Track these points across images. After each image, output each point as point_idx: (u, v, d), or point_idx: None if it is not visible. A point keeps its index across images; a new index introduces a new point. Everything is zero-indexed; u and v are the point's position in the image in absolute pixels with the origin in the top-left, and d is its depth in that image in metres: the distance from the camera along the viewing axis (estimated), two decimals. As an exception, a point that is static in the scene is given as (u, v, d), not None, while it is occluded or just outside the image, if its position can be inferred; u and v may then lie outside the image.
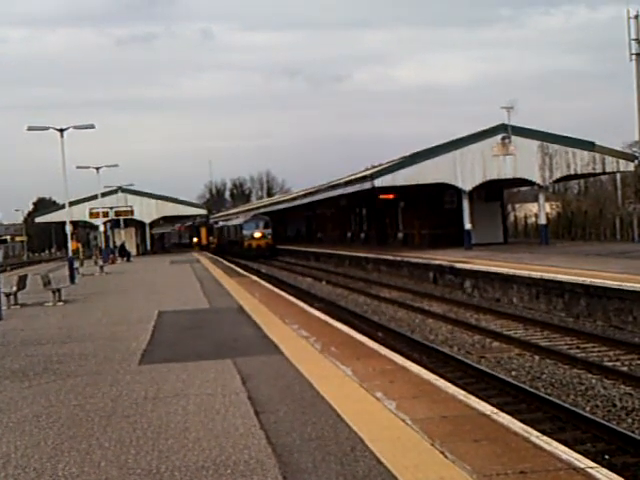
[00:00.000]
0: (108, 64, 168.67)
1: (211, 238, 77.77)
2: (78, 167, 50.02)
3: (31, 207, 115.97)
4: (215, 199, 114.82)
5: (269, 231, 60.26)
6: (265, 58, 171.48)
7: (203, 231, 79.99)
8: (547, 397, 10.71)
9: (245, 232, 59.74)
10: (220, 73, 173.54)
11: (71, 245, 37.95)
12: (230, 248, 65.16)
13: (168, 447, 6.57)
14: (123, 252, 54.62)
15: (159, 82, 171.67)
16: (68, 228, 37.67)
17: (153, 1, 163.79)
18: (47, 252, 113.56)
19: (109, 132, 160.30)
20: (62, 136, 34.98)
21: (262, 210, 73.58)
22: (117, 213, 56.24)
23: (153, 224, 70.80)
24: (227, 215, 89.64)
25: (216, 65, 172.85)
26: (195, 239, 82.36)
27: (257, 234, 59.49)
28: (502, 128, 36.49)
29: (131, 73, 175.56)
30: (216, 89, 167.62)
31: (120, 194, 61.36)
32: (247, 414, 7.50)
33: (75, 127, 36.07)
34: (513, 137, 36.29)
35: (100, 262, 42.65)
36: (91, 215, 55.54)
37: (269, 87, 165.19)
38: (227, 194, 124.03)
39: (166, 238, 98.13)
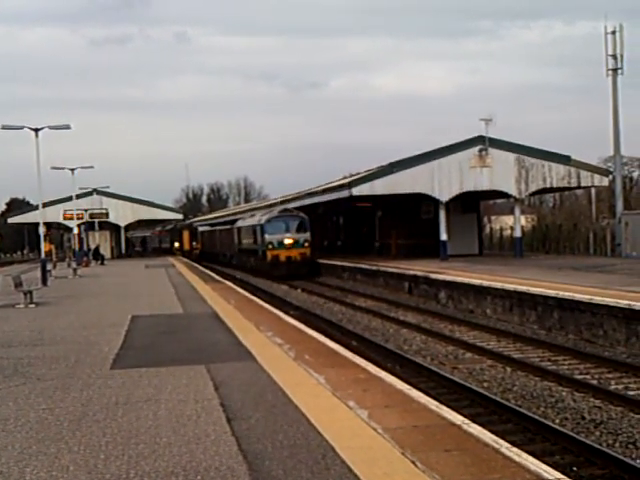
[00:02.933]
0: (84, 65, 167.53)
1: (194, 243, 70.15)
2: (53, 168, 49.65)
3: (4, 207, 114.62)
4: (192, 204, 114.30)
5: (306, 236, 40.27)
6: (243, 63, 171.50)
7: (186, 235, 72.12)
8: (517, 409, 10.80)
9: (268, 236, 40.29)
10: (197, 76, 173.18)
11: (44, 247, 37.56)
12: (237, 260, 50.47)
13: (138, 452, 6.53)
14: (97, 255, 54.17)
15: (136, 84, 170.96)
16: (41, 229, 37.32)
17: (129, 3, 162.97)
18: (19, 253, 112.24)
19: (85, 133, 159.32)
20: (37, 136, 34.67)
21: (239, 216, 67.50)
22: (92, 215, 55.85)
23: (129, 227, 70.27)
24: (209, 219, 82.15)
25: (193, 68, 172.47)
26: (176, 244, 74.44)
27: (288, 240, 39.84)
28: (480, 140, 36.78)
29: (108, 74, 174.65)
30: (193, 92, 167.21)
31: (95, 196, 60.87)
32: (219, 421, 7.48)
33: (50, 127, 35.77)
34: (490, 149, 36.59)
35: (73, 265, 42.25)
36: (65, 217, 55.08)
37: (247, 92, 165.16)
38: (204, 199, 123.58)
39: (149, 242, 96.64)
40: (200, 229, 71.88)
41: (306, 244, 40.08)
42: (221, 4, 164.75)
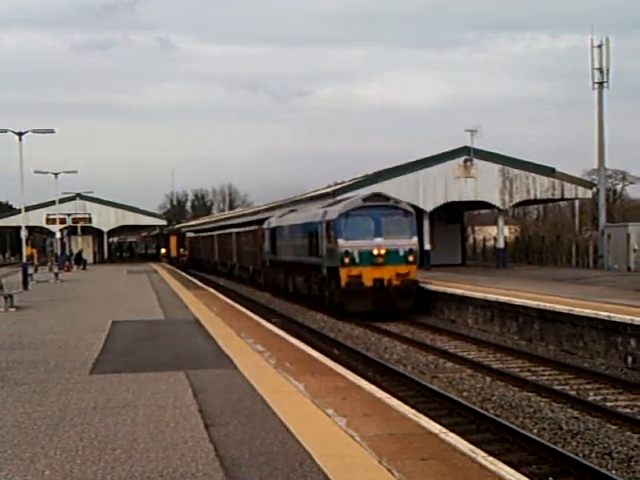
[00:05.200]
0: (68, 69, 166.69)
1: (182, 250, 66.49)
2: (36, 172, 49.39)
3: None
4: (176, 210, 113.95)
5: (411, 243, 24.42)
6: (228, 70, 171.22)
7: (173, 241, 67.51)
8: (496, 418, 10.84)
9: (344, 242, 24.00)
10: (183, 83, 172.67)
11: (26, 251, 37.31)
12: (267, 277, 36.61)
13: (115, 457, 6.51)
14: (79, 260, 53.86)
15: (121, 90, 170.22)
16: (23, 233, 37.07)
17: (113, 8, 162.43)
18: (1, 257, 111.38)
19: (69, 138, 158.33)
20: (20, 140, 34.49)
21: (222, 223, 64.56)
22: (74, 220, 55.55)
23: (112, 232, 69.95)
24: (200, 224, 77.93)
25: (178, 75, 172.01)
26: (163, 250, 69.93)
27: (379, 249, 23.98)
28: (465, 151, 37.00)
29: (92, 79, 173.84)
30: (179, 99, 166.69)
31: (78, 201, 60.59)
32: (197, 427, 7.47)
33: (34, 131, 35.58)
34: (475, 160, 36.82)
35: (55, 269, 41.98)
36: (48, 221, 54.77)
37: (232, 99, 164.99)
38: (188, 205, 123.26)
39: (135, 247, 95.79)
40: (189, 235, 69.34)
41: (410, 257, 23.88)
42: (206, 12, 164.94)
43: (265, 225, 36.58)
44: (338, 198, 30.23)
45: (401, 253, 23.98)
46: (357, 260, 23.70)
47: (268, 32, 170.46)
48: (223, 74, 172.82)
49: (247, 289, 38.98)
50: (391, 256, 23.82)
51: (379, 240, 23.91)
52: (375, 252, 23.73)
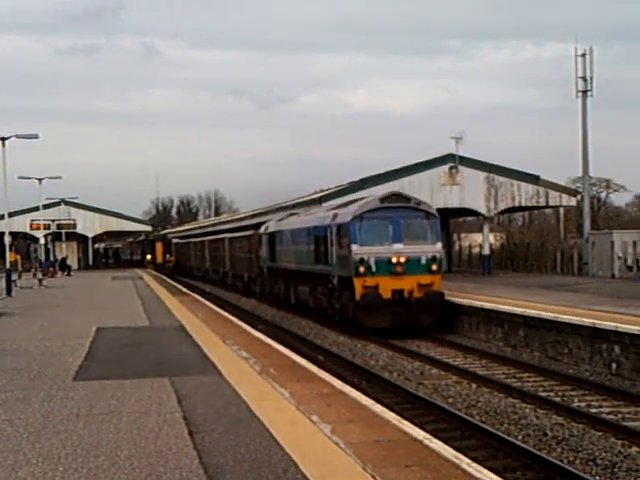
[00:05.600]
0: (52, 75, 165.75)
1: (168, 256, 65.52)
2: (20, 177, 49.01)
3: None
4: (161, 216, 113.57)
5: (435, 249, 21.73)
6: (212, 76, 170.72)
7: (159, 247, 66.07)
8: (481, 425, 10.86)
9: (359, 248, 21.12)
10: (168, 89, 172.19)
11: (9, 257, 37.04)
12: (264, 286, 33.73)
13: (98, 465, 6.45)
14: (64, 266, 53.53)
15: (106, 95, 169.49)
16: (7, 239, 36.81)
17: (97, 13, 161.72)
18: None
19: (53, 143, 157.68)
20: (4, 145, 34.23)
21: (214, 228, 63.14)
22: (59, 226, 55.20)
23: (97, 238, 69.60)
24: (187, 230, 76.83)
25: (163, 81, 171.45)
26: (149, 256, 67.90)
27: (398, 256, 21.14)
28: (450, 158, 37.18)
29: (76, 85, 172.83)
30: (164, 105, 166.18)
31: (63, 207, 60.24)
32: (181, 434, 7.42)
33: (18, 136, 35.28)
34: (461, 167, 36.99)
35: (39, 275, 41.70)
36: (32, 227, 54.39)
37: (217, 105, 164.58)
38: (174, 211, 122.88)
39: (121, 253, 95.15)
40: (175, 241, 68.77)
41: (434, 266, 21.16)
42: (190, 17, 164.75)
43: (262, 230, 33.66)
44: (350, 199, 26.97)
45: (423, 261, 21.23)
46: (373, 269, 20.94)
47: (253, 38, 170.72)
48: (208, 80, 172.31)
49: (246, 300, 35.56)
50: (412, 264, 21.09)
51: (398, 246, 21.17)
52: (394, 260, 21.02)
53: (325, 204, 32.35)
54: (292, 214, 31.70)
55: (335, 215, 23.14)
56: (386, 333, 20.53)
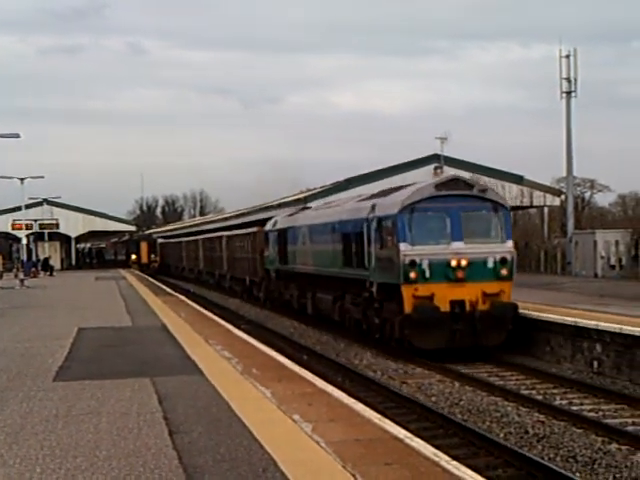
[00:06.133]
0: (36, 74, 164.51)
1: (153, 256, 65.23)
2: (1, 177, 48.67)
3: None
4: (146, 215, 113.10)
5: (505, 249, 17.08)
6: (199, 76, 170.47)
7: (144, 247, 65.64)
8: (463, 423, 10.89)
9: (409, 248, 16.57)
10: (153, 89, 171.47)
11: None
12: (272, 292, 29.23)
13: (76, 465, 6.40)
14: (46, 266, 53.19)
15: (91, 95, 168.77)
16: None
17: (82, 12, 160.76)
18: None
19: (36, 143, 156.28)
20: (-14, 144, 33.97)
21: (194, 229, 63.09)
22: (41, 226, 54.83)
23: (80, 238, 69.20)
24: (175, 229, 75.69)
25: (150, 81, 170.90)
26: (133, 256, 67.71)
27: (457, 260, 16.62)
28: (435, 158, 37.34)
29: (60, 84, 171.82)
30: (149, 104, 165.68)
31: (46, 206, 59.86)
32: (161, 434, 7.38)
33: (-1, 135, 35.03)
34: (445, 167, 37.13)
35: (21, 276, 41.40)
36: (14, 227, 53.97)
37: (203, 105, 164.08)
38: (159, 211, 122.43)
39: (106, 253, 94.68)
40: (160, 240, 68.11)
41: (503, 271, 16.85)
42: (177, 16, 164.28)
43: (268, 226, 28.91)
44: (393, 186, 20.51)
45: (490, 264, 16.58)
46: (427, 274, 16.33)
47: (240, 38, 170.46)
48: (195, 80, 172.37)
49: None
50: (476, 268, 16.50)
51: (459, 245, 16.59)
52: (453, 263, 16.43)
53: (345, 195, 29.07)
54: (305, 208, 28.22)
55: (374, 206, 18.08)
56: (440, 355, 16.34)
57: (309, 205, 30.03)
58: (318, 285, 22.79)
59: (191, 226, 70.23)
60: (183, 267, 57.61)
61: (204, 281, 47.85)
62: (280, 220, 27.78)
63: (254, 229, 33.30)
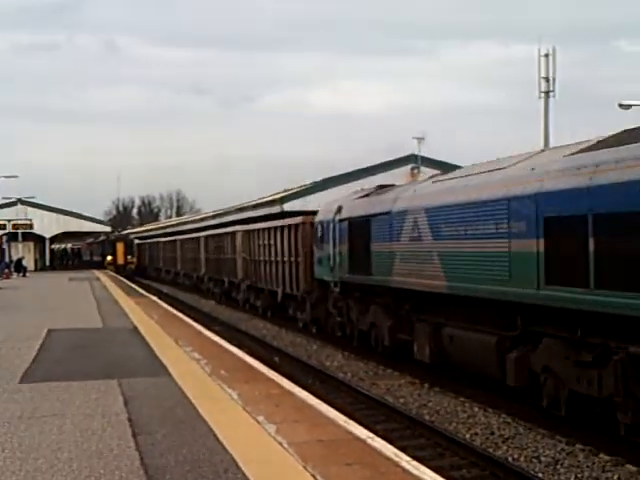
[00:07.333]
0: (9, 71, 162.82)
1: (129, 257, 64.01)
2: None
3: None
4: (122, 216, 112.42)
5: None
6: (175, 74, 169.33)
7: (120, 248, 64.32)
8: (430, 424, 10.97)
9: None
10: (129, 87, 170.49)
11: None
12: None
13: (36, 467, 6.38)
14: (19, 267, 52.67)
15: (65, 93, 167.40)
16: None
17: (58, 9, 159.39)
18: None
19: (8, 142, 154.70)
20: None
21: (169, 230, 61.86)
22: (15, 226, 54.31)
23: (54, 239, 68.61)
24: (158, 228, 73.30)
25: (125, 79, 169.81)
26: (109, 257, 66.48)
27: None
28: (412, 158, 37.48)
29: (33, 81, 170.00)
30: (126, 103, 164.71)
31: (20, 206, 59.25)
32: (124, 435, 7.37)
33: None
34: (422, 168, 37.25)
35: (-6, 276, 41.00)
36: (-14, 227, 53.46)
37: (180, 104, 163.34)
38: (135, 211, 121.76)
39: (82, 254, 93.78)
40: (137, 241, 66.94)
41: None
42: (153, 14, 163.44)
43: (323, 216, 19.65)
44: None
45: None
46: None
47: (217, 36, 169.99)
48: (171, 78, 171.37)
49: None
50: None
51: None
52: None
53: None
54: (379, 187, 17.95)
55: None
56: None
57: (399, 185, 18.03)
58: (453, 314, 13.11)
59: (171, 226, 67.92)
60: (168, 270, 52.79)
61: (204, 290, 38.83)
62: (349, 204, 18.07)
63: (296, 220, 23.07)
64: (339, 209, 18.49)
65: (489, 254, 11.49)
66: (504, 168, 11.96)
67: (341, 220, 18.15)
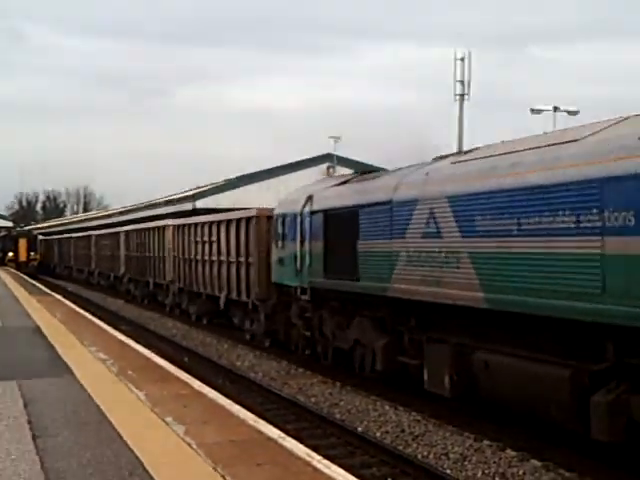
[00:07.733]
0: None
1: (32, 254, 61.74)
2: None
3: None
4: (25, 211, 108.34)
5: None
6: (85, 65, 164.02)
7: (22, 244, 62.08)
8: (341, 423, 10.97)
9: None
10: (35, 77, 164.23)
11: None
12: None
13: None
14: None
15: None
16: None
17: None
18: None
19: None
20: None
21: (76, 226, 60.67)
22: None
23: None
24: (68, 223, 71.35)
25: (31, 69, 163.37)
26: (11, 253, 63.94)
27: None
28: (328, 157, 37.69)
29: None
30: (31, 94, 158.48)
31: None
32: (24, 439, 7.04)
33: None
34: (338, 167, 37.49)
35: None
36: None
37: (88, 96, 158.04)
38: (39, 207, 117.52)
39: None
40: (41, 237, 64.62)
41: None
42: (61, 2, 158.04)
43: (285, 208, 16.31)
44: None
45: None
46: None
47: (129, 28, 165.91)
48: (80, 69, 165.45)
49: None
50: None
51: None
52: None
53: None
54: (366, 173, 15.09)
55: None
56: None
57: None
58: (489, 335, 9.88)
59: (85, 220, 65.23)
60: (82, 269, 48.64)
61: (123, 291, 35.08)
62: (324, 193, 14.72)
63: (248, 213, 19.36)
64: (309, 199, 14.84)
65: (563, 257, 8.17)
66: (578, 140, 8.52)
67: (313, 212, 14.57)
